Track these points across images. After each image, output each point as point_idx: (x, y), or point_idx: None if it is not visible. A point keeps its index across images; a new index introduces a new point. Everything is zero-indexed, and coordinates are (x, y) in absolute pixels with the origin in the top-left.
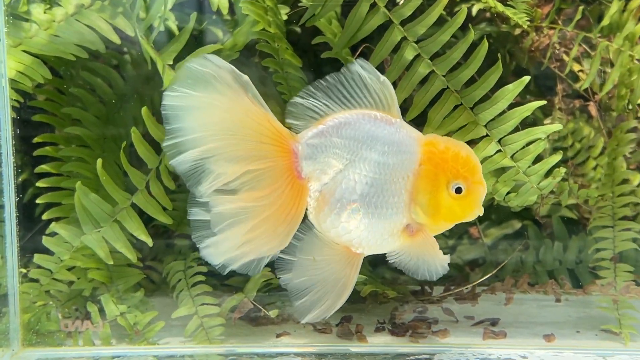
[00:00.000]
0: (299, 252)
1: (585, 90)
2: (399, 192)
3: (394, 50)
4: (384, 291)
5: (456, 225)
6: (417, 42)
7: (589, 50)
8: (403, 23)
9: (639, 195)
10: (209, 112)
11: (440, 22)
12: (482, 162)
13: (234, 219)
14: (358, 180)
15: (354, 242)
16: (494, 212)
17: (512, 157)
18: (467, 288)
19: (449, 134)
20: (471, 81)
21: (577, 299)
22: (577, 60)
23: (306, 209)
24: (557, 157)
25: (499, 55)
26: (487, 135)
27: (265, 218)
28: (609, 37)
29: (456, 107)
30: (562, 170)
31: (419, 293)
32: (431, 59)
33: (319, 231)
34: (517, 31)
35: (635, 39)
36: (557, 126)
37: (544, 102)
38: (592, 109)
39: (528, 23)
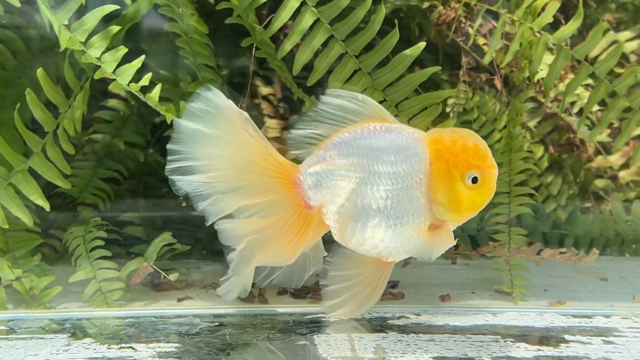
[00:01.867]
0: (332, 268)
1: (493, 64)
2: (416, 197)
3: (295, 16)
4: None
5: None
6: (316, 7)
7: (496, 24)
8: None
9: (541, 167)
10: (214, 143)
11: None
12: None
13: (240, 246)
14: (373, 197)
15: (384, 254)
16: None
17: (408, 121)
18: None
19: None
20: (370, 47)
21: (475, 262)
22: (486, 35)
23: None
24: (452, 121)
25: (395, 21)
26: (384, 100)
27: (270, 247)
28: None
29: (355, 72)
30: None
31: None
32: (331, 24)
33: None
34: (426, 4)
35: (536, 12)
36: (451, 91)
37: (438, 68)
38: (498, 82)
39: None
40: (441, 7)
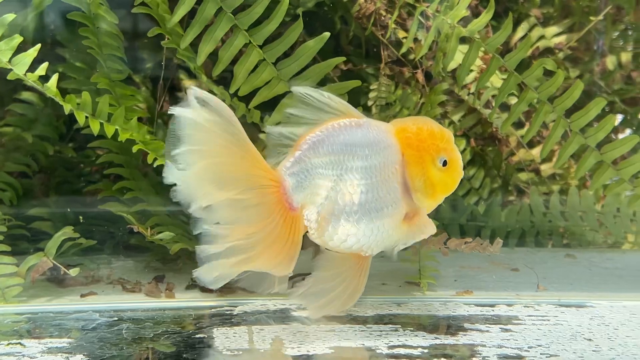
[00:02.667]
0: (313, 271)
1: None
2: (393, 187)
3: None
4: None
5: None
6: None
7: (422, 19)
8: None
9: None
10: (209, 130)
11: None
12: None
13: (229, 253)
14: (352, 192)
15: (364, 248)
16: None
17: None
18: None
19: (255, 90)
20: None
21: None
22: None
23: (306, 233)
24: None
25: (299, 13)
26: (289, 91)
27: (260, 252)
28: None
29: (260, 62)
30: None
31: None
32: (234, 13)
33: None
34: None
35: (454, 5)
36: (356, 82)
37: (343, 59)
38: (420, 76)
39: None
40: (362, 0)
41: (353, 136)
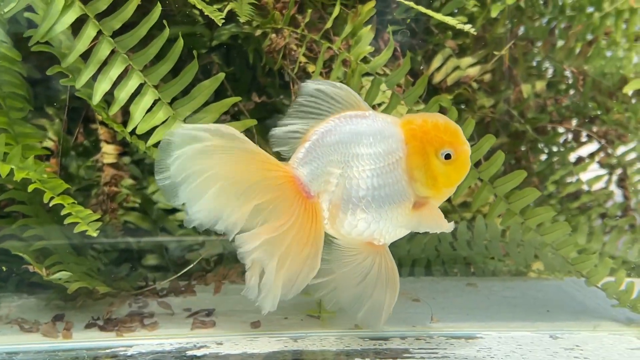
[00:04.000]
0: (331, 271)
1: None
2: (399, 176)
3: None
4: (94, 287)
5: None
6: (113, 37)
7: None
8: (99, 17)
9: None
10: (209, 155)
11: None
12: None
13: (260, 253)
14: (360, 177)
15: (375, 235)
16: None
17: None
18: (169, 281)
19: (152, 130)
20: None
21: None
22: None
23: None
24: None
25: (194, 53)
26: None
27: (289, 245)
28: (347, 41)
29: (156, 102)
30: None
31: (142, 287)
32: (129, 53)
33: (340, 239)
34: (258, 32)
35: (355, 42)
36: (252, 121)
37: (238, 99)
38: None
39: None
40: (273, 35)
41: (359, 125)
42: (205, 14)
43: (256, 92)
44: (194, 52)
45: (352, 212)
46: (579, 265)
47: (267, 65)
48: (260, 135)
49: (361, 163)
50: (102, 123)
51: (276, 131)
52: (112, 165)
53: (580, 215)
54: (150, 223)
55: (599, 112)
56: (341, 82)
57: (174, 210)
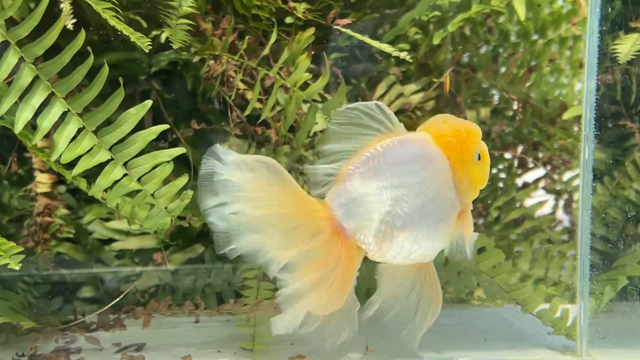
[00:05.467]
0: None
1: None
2: (447, 195)
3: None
4: (18, 322)
5: (141, 251)
6: (35, 63)
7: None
8: (20, 44)
9: None
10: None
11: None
12: (111, 186)
13: (303, 295)
14: (409, 211)
15: (425, 258)
16: (179, 236)
17: (139, 180)
18: (96, 315)
19: (77, 159)
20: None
21: (225, 318)
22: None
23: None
24: (184, 180)
25: (120, 80)
26: (112, 159)
27: (325, 283)
28: (287, 68)
29: (80, 130)
30: (190, 192)
31: (71, 322)
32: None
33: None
34: (196, 58)
35: (291, 69)
36: (181, 150)
37: (166, 127)
38: (274, 135)
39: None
40: (212, 61)
41: (398, 155)
42: (132, 40)
43: (197, 118)
44: (120, 79)
45: (405, 245)
46: (514, 292)
47: (206, 91)
48: (200, 162)
49: (409, 195)
50: None
51: (310, 170)
52: (45, 194)
53: (523, 241)
54: (84, 254)
55: (539, 139)
56: (281, 108)
57: (110, 241)
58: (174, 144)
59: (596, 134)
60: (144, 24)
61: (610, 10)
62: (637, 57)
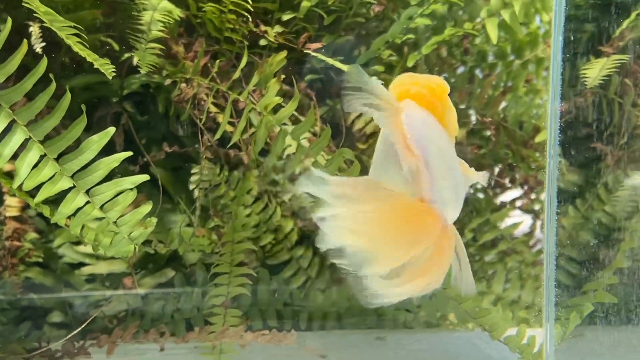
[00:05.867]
0: None
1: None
2: (451, 148)
3: None
4: None
5: (112, 275)
6: None
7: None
8: None
9: (292, 240)
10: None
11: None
12: (74, 214)
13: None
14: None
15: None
16: (149, 260)
17: (101, 207)
18: (62, 343)
19: (39, 186)
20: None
21: (193, 345)
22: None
23: None
24: (148, 207)
25: (82, 106)
26: (74, 186)
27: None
28: (260, 90)
29: (42, 157)
30: (154, 220)
31: (35, 350)
32: (12, 108)
33: None
34: (168, 81)
35: (262, 94)
36: (144, 177)
37: (129, 154)
38: (246, 158)
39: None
40: (183, 84)
41: (424, 132)
42: (95, 66)
43: (168, 141)
44: (82, 106)
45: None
46: (481, 319)
47: (178, 114)
48: (172, 185)
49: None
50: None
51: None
52: (14, 218)
53: (498, 263)
54: (54, 278)
55: (512, 161)
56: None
57: (80, 265)
58: (144, 167)
59: (572, 155)
60: (116, 47)
61: (580, 35)
62: (608, 80)
